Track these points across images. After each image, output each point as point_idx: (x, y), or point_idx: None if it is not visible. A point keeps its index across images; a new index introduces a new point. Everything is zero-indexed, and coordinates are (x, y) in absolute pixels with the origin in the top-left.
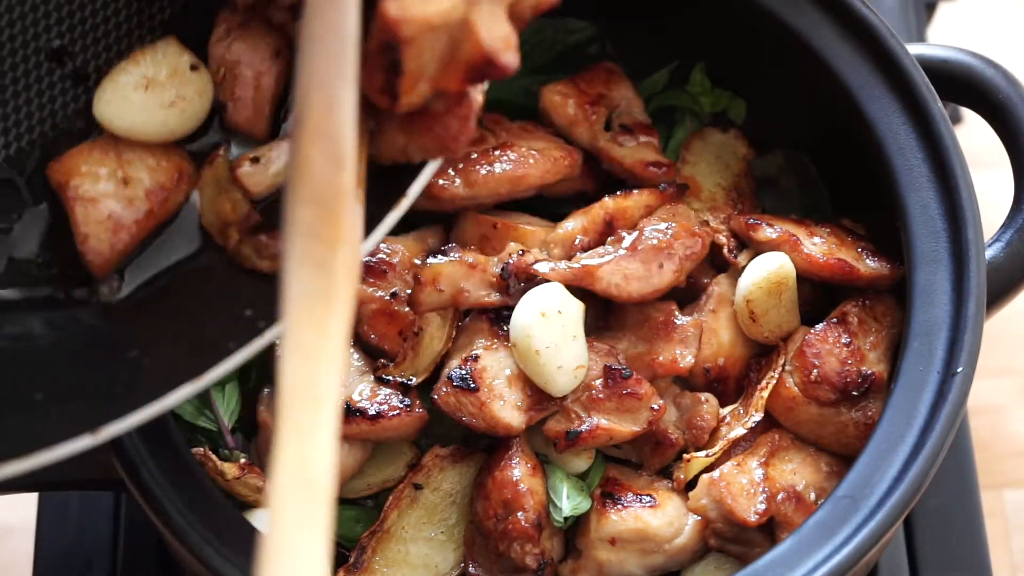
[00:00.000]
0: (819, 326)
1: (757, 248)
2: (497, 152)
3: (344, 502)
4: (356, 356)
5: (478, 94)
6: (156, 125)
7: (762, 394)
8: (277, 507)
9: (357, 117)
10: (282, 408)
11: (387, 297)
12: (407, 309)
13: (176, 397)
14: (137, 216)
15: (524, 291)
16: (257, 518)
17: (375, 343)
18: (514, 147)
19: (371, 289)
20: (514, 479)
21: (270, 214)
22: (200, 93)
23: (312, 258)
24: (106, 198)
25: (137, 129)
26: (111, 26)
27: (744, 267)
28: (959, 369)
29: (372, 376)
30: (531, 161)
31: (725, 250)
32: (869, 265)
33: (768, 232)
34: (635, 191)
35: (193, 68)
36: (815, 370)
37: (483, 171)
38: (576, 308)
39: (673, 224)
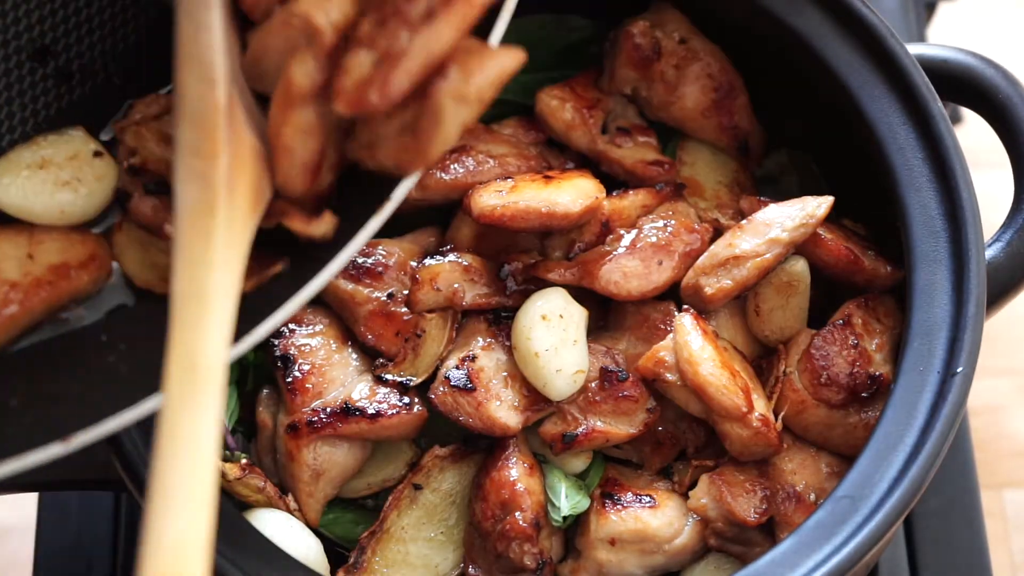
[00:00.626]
0: (826, 328)
1: None
2: (453, 155)
3: (343, 502)
4: (355, 356)
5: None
6: (48, 206)
7: (770, 405)
8: (167, 398)
9: (224, 39)
10: (172, 310)
11: (383, 298)
12: (403, 310)
13: (149, 406)
14: (29, 292)
15: (522, 292)
16: (258, 518)
17: (372, 344)
18: (471, 152)
19: (367, 290)
20: (511, 479)
21: None
22: (99, 178)
23: (195, 173)
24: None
25: (27, 209)
26: (95, 24)
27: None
28: (959, 369)
29: (371, 376)
30: (484, 168)
31: None
32: (872, 259)
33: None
34: (631, 191)
35: (97, 154)
36: (824, 372)
37: (436, 175)
38: (579, 314)
39: (673, 221)
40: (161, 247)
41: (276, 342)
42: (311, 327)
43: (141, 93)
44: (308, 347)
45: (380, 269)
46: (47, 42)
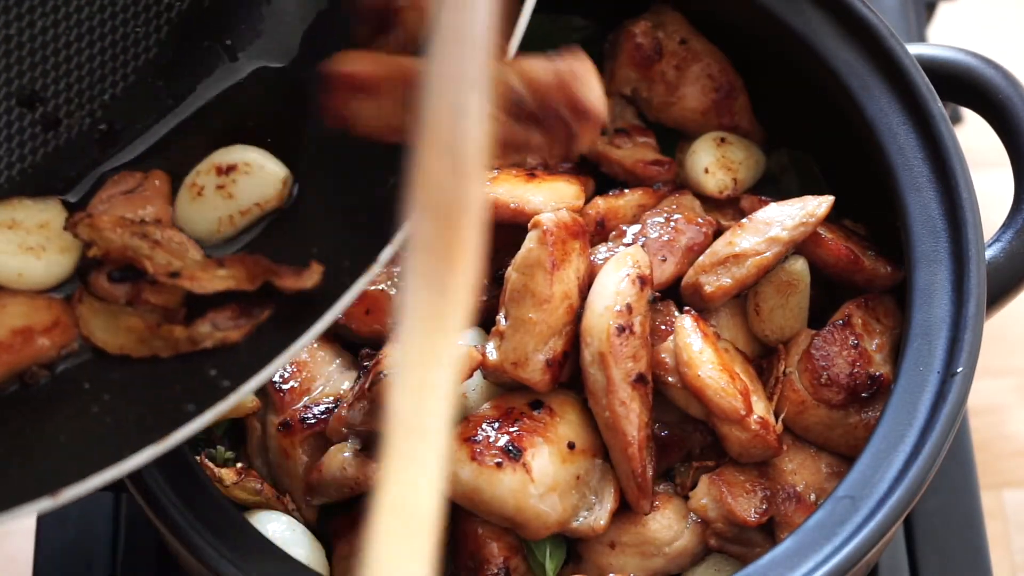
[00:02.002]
0: (826, 328)
1: None
2: None
3: None
4: (337, 352)
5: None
6: (7, 266)
7: (770, 406)
8: (380, 540)
9: (486, 126)
10: (391, 437)
11: None
12: (373, 288)
13: (139, 459)
14: None
15: None
16: (258, 519)
17: (343, 322)
18: None
19: None
20: (478, 532)
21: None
22: (63, 251)
23: (430, 277)
24: None
25: None
26: (85, 72)
27: None
28: (959, 369)
29: (356, 370)
30: None
31: None
32: (872, 259)
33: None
34: (627, 190)
35: (67, 228)
36: (825, 372)
37: None
38: None
39: (677, 216)
40: (130, 311)
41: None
42: None
43: (124, 144)
44: None
45: None
46: (37, 88)
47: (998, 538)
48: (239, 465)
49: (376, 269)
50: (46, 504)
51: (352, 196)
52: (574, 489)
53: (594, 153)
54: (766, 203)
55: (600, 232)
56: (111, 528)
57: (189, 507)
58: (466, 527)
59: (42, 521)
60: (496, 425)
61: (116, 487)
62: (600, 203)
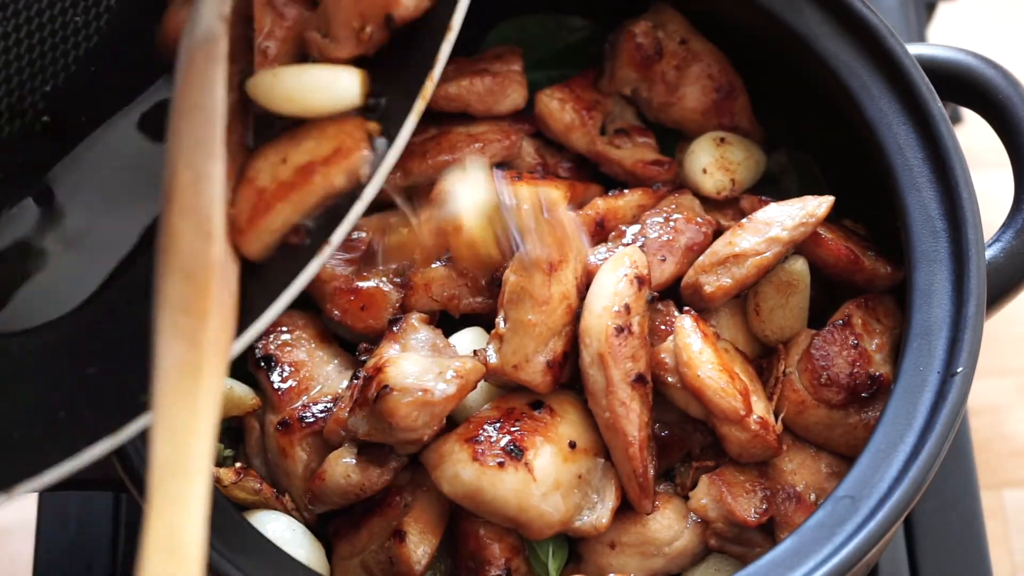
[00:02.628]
0: (826, 328)
1: None
2: (435, 139)
3: None
4: (335, 352)
5: None
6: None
7: (770, 406)
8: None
9: (225, 192)
10: (153, 480)
11: (349, 273)
12: (367, 284)
13: (94, 452)
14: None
15: None
16: (257, 519)
17: (339, 319)
18: (451, 134)
19: (332, 266)
20: (479, 533)
21: None
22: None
23: (182, 332)
24: None
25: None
26: (25, 63)
27: None
28: (959, 369)
29: (353, 369)
30: (465, 148)
31: None
32: (872, 259)
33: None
34: (627, 191)
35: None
36: (824, 372)
37: (417, 160)
38: None
39: (676, 216)
40: None
41: (257, 344)
42: (289, 327)
43: (69, 135)
44: (289, 347)
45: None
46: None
47: (998, 538)
48: (238, 465)
49: (329, 251)
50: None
51: None
52: (576, 488)
53: (594, 153)
54: (766, 203)
55: (600, 232)
56: (111, 528)
57: None
58: (467, 527)
59: (42, 521)
60: (497, 425)
61: (116, 487)
62: (599, 203)
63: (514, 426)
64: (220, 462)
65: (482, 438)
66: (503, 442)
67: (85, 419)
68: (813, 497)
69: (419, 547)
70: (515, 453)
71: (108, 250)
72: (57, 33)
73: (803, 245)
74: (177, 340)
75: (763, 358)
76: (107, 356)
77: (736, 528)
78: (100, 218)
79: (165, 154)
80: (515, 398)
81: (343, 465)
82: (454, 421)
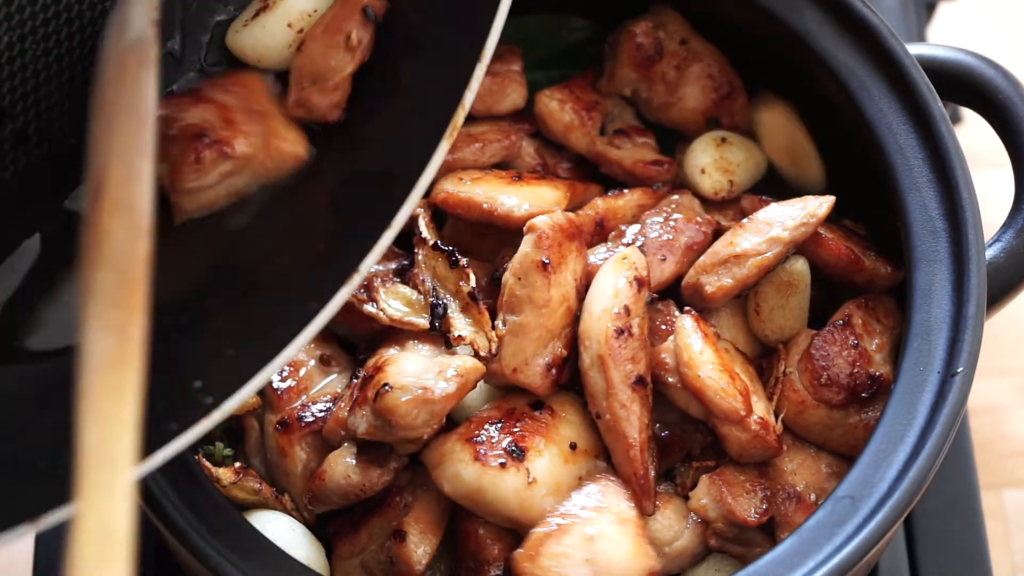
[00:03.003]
0: (826, 328)
1: None
2: None
3: None
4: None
5: None
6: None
7: (770, 406)
8: (77, 565)
9: (153, 188)
10: (82, 471)
11: None
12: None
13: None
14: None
15: None
16: (257, 519)
17: (337, 320)
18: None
19: None
20: (479, 533)
21: None
22: None
23: (111, 324)
24: None
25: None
26: (53, 87)
27: None
28: (959, 369)
29: (351, 370)
30: (464, 148)
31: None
32: (872, 259)
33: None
34: (626, 191)
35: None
36: (825, 372)
37: None
38: None
39: (676, 215)
40: None
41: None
42: None
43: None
44: None
45: None
46: (4, 104)
47: (998, 538)
48: (237, 464)
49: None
50: (24, 530)
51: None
52: (576, 489)
53: (594, 153)
54: (767, 203)
55: (599, 232)
56: None
57: (189, 507)
58: (466, 527)
59: None
60: (498, 426)
61: None
62: (599, 203)
63: (515, 426)
64: (220, 462)
65: (483, 438)
66: (505, 442)
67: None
68: (813, 497)
69: (419, 547)
70: (516, 454)
71: None
72: (87, 57)
73: (804, 245)
74: (107, 333)
75: (763, 358)
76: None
77: (736, 528)
78: None
79: (91, 149)
80: (515, 398)
81: (343, 465)
82: (454, 421)
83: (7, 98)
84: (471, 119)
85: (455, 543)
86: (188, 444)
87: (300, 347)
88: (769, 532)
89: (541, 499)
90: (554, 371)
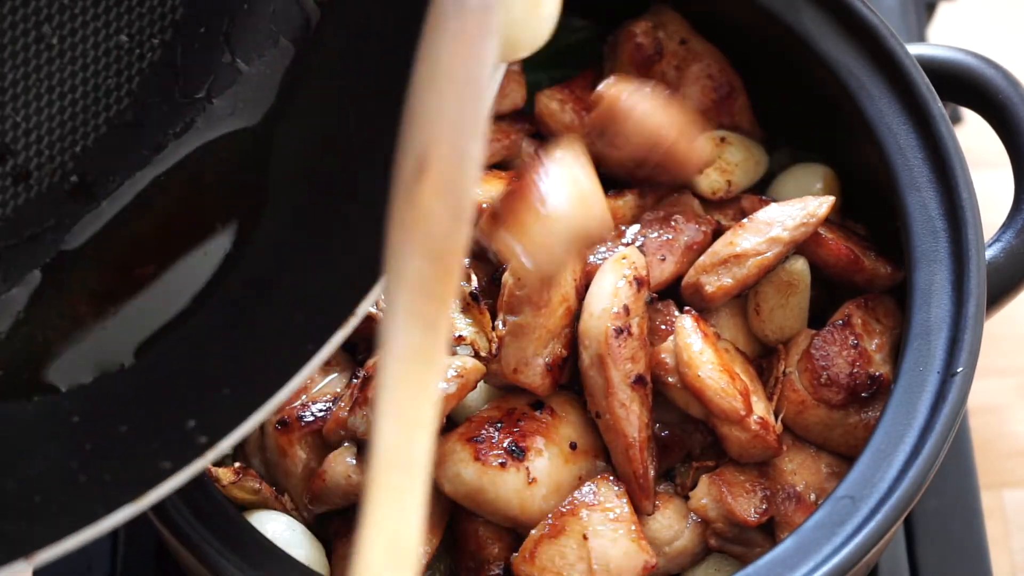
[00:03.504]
0: (826, 328)
1: None
2: None
3: None
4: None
5: None
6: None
7: (770, 406)
8: (363, 574)
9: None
10: (375, 473)
11: None
12: None
13: (115, 520)
14: None
15: None
16: (257, 519)
17: None
18: None
19: None
20: (479, 533)
21: None
22: None
23: (422, 317)
24: None
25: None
26: (55, 124)
27: None
28: (959, 369)
29: (351, 370)
30: None
31: None
32: (872, 259)
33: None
34: (626, 191)
35: None
36: (824, 372)
37: None
38: None
39: (676, 215)
40: None
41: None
42: None
43: (96, 194)
44: None
45: None
46: (7, 141)
47: (998, 538)
48: (237, 464)
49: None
50: (19, 567)
51: (324, 256)
52: (576, 489)
53: (593, 153)
54: (767, 203)
55: None
56: None
57: (189, 507)
58: (467, 527)
59: None
60: (499, 425)
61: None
62: None
63: (515, 427)
64: (220, 462)
65: (483, 438)
66: (505, 442)
67: (106, 484)
68: (813, 497)
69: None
70: (517, 453)
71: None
72: (89, 95)
73: (803, 245)
74: (415, 325)
75: (763, 358)
76: (136, 418)
77: (736, 528)
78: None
79: (408, 123)
80: (516, 398)
81: (344, 465)
82: (453, 421)
83: (9, 134)
84: None
85: (455, 543)
86: (181, 484)
87: (295, 389)
88: (769, 532)
89: (541, 499)
90: (554, 371)
